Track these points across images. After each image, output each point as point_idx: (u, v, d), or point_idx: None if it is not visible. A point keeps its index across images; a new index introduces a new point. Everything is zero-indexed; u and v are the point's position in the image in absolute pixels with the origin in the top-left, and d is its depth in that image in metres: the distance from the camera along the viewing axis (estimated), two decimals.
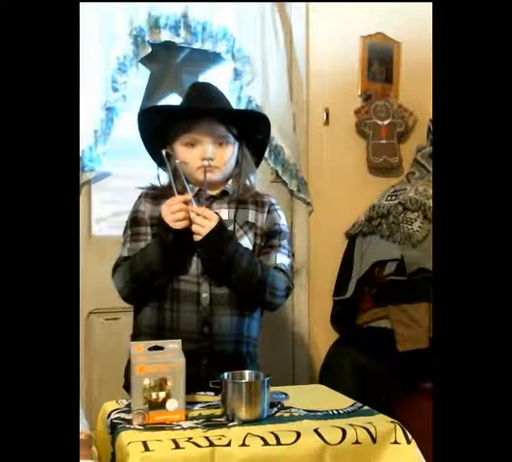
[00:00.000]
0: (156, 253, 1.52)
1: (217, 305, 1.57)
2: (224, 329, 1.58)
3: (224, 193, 1.64)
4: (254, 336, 1.66)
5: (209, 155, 1.57)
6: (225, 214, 1.60)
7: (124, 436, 1.22)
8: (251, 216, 1.64)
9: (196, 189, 1.60)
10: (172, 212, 1.49)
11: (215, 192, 1.63)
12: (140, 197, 1.66)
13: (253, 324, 1.65)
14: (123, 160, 2.39)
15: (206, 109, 1.59)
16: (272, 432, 1.22)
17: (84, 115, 2.05)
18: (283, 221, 1.69)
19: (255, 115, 1.80)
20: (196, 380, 1.40)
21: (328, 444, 1.22)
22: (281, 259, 1.63)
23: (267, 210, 1.66)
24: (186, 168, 1.59)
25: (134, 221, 1.64)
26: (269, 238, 1.65)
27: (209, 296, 1.57)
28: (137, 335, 1.64)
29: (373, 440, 1.26)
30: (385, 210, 2.52)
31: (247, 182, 1.68)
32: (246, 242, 1.61)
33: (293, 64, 2.57)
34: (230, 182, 1.65)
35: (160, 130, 1.63)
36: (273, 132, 2.34)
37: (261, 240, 1.64)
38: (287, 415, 1.35)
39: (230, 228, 1.59)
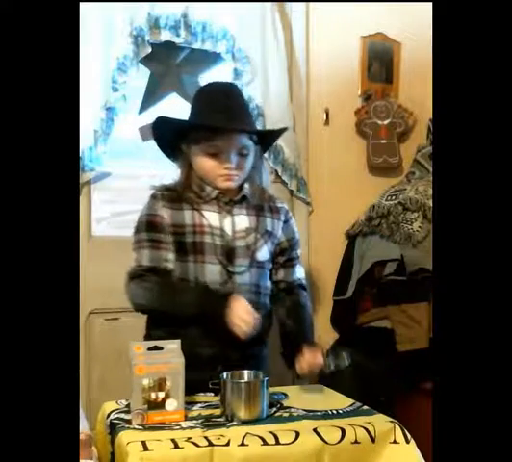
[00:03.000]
0: (192, 312, 1.49)
1: None
2: None
3: (243, 198, 1.63)
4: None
5: (232, 165, 1.56)
6: (245, 220, 1.61)
7: (124, 436, 1.23)
8: (269, 224, 1.64)
9: (216, 192, 1.59)
10: (243, 321, 1.42)
11: (235, 197, 1.62)
12: (155, 199, 1.59)
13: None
14: (123, 160, 2.39)
15: (235, 128, 1.55)
16: (271, 432, 1.23)
17: (84, 115, 2.05)
18: (296, 229, 1.72)
19: (281, 131, 1.73)
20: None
21: (327, 443, 1.22)
22: (299, 272, 1.69)
23: (283, 218, 1.67)
24: (205, 174, 1.58)
25: (152, 226, 1.57)
26: (290, 250, 1.67)
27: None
28: (149, 336, 1.63)
29: (372, 439, 1.26)
30: (385, 210, 2.51)
31: (262, 184, 1.68)
32: (265, 251, 1.62)
33: (293, 64, 2.57)
34: (247, 185, 1.63)
35: (179, 136, 1.60)
36: None
37: (278, 249, 1.66)
38: (286, 415, 1.35)
39: (251, 237, 1.59)
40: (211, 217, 1.58)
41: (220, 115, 1.54)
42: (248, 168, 1.61)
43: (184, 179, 1.60)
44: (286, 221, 1.68)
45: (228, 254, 1.56)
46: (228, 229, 1.58)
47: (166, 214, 1.57)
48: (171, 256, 1.56)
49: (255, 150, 1.61)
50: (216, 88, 1.65)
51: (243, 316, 1.40)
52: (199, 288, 1.52)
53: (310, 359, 1.45)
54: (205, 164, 1.57)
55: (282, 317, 1.64)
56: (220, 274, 1.56)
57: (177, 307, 1.51)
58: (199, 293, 1.51)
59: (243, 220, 1.61)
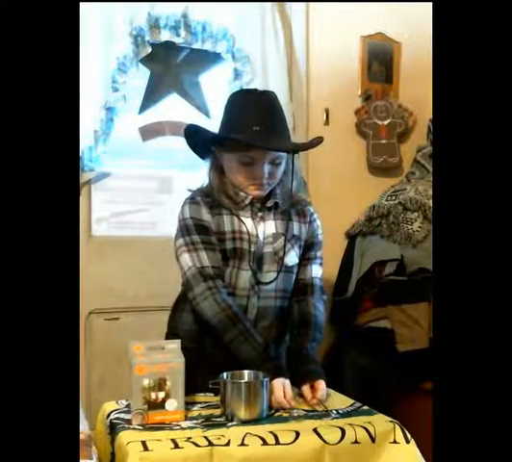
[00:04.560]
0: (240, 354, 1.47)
1: (262, 319, 1.59)
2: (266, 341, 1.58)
3: (275, 204, 1.62)
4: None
5: (265, 175, 1.54)
6: (273, 226, 1.60)
7: (124, 436, 1.22)
8: (296, 228, 1.64)
9: (250, 198, 1.58)
10: (280, 404, 1.39)
11: (267, 204, 1.60)
12: (197, 204, 1.57)
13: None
14: (123, 160, 2.39)
15: (271, 148, 1.51)
16: (271, 432, 1.22)
17: (84, 115, 2.05)
18: (320, 231, 1.71)
19: (316, 144, 1.69)
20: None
21: (327, 443, 1.22)
22: (315, 271, 1.68)
23: (308, 220, 1.67)
24: (236, 181, 1.57)
25: (201, 228, 1.55)
26: (308, 249, 1.67)
27: (255, 311, 1.58)
28: (171, 335, 1.63)
29: (372, 439, 1.26)
30: (385, 210, 2.52)
31: (293, 189, 1.65)
32: (293, 255, 1.62)
33: (293, 65, 2.57)
34: (278, 191, 1.61)
35: (211, 140, 1.58)
36: None
37: (302, 251, 1.66)
38: (286, 415, 1.35)
39: (280, 242, 1.59)
40: (247, 223, 1.58)
41: (258, 129, 1.50)
42: (279, 176, 1.59)
43: (219, 184, 1.58)
44: (310, 222, 1.68)
45: (258, 260, 1.57)
46: (260, 235, 1.59)
47: (211, 220, 1.56)
48: (221, 261, 1.55)
49: (287, 157, 1.59)
50: (252, 96, 1.57)
51: (280, 401, 1.39)
52: (257, 346, 1.47)
53: (308, 396, 1.43)
54: (237, 172, 1.55)
55: (289, 334, 1.64)
56: (250, 281, 1.57)
57: (228, 344, 1.48)
58: (254, 351, 1.46)
59: (272, 226, 1.60)
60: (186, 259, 1.53)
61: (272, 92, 1.59)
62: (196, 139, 1.59)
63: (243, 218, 1.58)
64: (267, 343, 1.51)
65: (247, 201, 1.58)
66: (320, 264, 1.70)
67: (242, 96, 1.60)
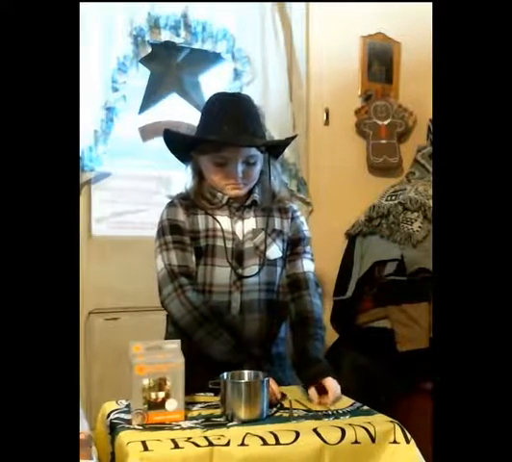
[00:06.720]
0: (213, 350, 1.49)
1: (249, 312, 1.61)
2: (254, 334, 1.61)
3: (253, 203, 1.65)
4: (282, 335, 1.71)
5: (239, 175, 1.58)
6: (253, 223, 1.64)
7: (123, 436, 1.22)
8: (277, 223, 1.67)
9: (227, 198, 1.62)
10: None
11: (245, 203, 1.64)
12: (174, 206, 1.63)
13: (282, 326, 1.70)
14: (123, 160, 2.39)
15: (241, 144, 1.55)
16: (272, 432, 1.22)
17: (84, 115, 2.05)
18: (305, 227, 1.73)
19: (288, 141, 1.72)
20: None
21: (327, 443, 1.22)
22: (307, 266, 1.68)
23: (290, 216, 1.70)
24: (214, 182, 1.61)
25: (176, 229, 1.60)
26: (294, 245, 1.68)
27: (239, 306, 1.60)
28: (170, 334, 1.65)
29: (372, 440, 1.26)
30: (385, 210, 2.52)
31: (272, 188, 1.69)
32: (276, 248, 1.64)
33: (292, 64, 2.57)
34: (257, 190, 1.65)
35: (189, 145, 1.62)
36: (273, 132, 2.34)
37: (287, 246, 1.68)
38: (286, 415, 1.35)
39: (260, 236, 1.62)
40: (223, 221, 1.61)
41: (228, 129, 1.54)
42: (256, 176, 1.63)
43: (196, 186, 1.64)
44: (292, 219, 1.70)
45: (239, 256, 1.60)
46: (239, 233, 1.62)
47: (186, 220, 1.61)
48: (194, 259, 1.60)
49: (263, 157, 1.63)
50: (224, 99, 1.63)
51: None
52: (226, 344, 1.49)
53: (315, 400, 1.43)
54: (213, 173, 1.60)
55: (291, 333, 1.66)
56: (230, 277, 1.59)
57: (198, 344, 1.51)
58: (223, 349, 1.49)
59: (252, 223, 1.63)
60: (159, 260, 1.59)
61: (246, 95, 1.66)
62: (176, 144, 1.63)
63: (219, 217, 1.61)
64: (242, 341, 1.54)
65: (224, 201, 1.61)
66: (312, 259, 1.72)
67: (214, 100, 1.64)
